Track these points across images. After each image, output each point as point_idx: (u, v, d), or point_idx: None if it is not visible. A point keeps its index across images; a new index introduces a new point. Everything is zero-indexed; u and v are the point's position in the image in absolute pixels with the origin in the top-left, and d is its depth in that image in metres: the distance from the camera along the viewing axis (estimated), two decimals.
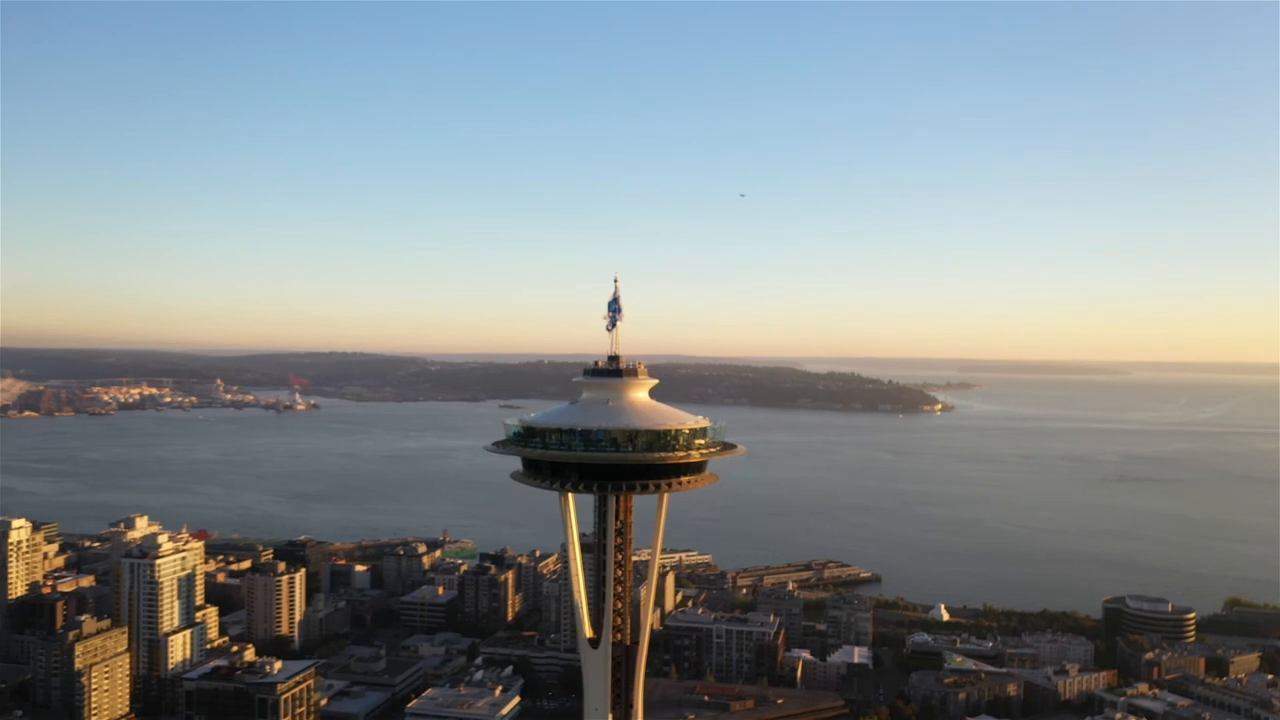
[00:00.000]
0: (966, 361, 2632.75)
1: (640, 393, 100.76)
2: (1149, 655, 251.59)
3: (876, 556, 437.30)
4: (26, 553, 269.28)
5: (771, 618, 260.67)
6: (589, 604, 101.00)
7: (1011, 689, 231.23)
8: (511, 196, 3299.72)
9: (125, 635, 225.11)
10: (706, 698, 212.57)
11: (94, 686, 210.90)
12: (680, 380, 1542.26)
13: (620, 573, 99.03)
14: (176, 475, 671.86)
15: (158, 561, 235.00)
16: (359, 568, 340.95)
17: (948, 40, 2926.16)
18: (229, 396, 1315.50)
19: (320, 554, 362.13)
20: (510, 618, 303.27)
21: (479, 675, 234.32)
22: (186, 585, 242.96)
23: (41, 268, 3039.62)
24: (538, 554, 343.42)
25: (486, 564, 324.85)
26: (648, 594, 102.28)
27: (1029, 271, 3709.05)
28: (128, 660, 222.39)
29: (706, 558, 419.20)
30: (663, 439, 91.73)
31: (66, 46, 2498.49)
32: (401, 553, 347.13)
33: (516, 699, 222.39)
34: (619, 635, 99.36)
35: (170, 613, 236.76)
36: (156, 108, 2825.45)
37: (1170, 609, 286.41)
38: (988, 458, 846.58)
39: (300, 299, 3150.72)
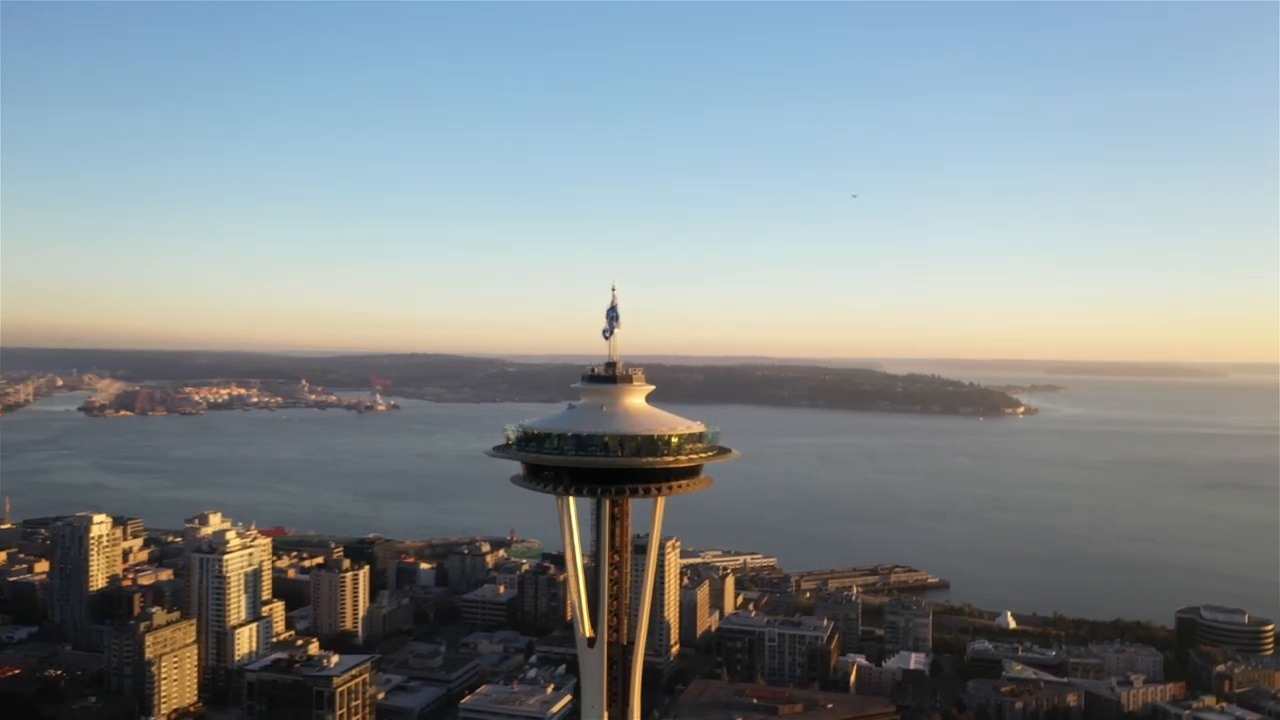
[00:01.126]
0: (1054, 363, 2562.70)
1: (636, 398, 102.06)
2: (1220, 668, 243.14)
3: (946, 562, 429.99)
4: (107, 547, 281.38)
5: (825, 622, 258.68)
6: (586, 606, 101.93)
7: (1072, 699, 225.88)
8: (592, 198, 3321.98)
9: (194, 627, 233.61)
10: (755, 700, 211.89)
11: (163, 675, 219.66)
12: (755, 382, 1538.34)
13: (617, 574, 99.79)
14: (260, 473, 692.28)
15: (225, 557, 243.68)
16: (424, 566, 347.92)
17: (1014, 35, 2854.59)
18: (313, 397, 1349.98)
19: (389, 551, 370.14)
20: (569, 617, 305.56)
21: (532, 673, 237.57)
22: (253, 580, 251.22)
23: (140, 274, 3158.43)
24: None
25: (546, 564, 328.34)
26: (645, 596, 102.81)
27: (1122, 270, 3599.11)
28: (196, 651, 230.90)
29: (771, 561, 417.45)
30: (652, 444, 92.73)
31: (140, 42, 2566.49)
32: (466, 551, 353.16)
33: (568, 698, 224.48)
34: (615, 635, 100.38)
35: (237, 606, 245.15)
36: (240, 108, 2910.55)
37: (1247, 620, 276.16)
38: (1070, 462, 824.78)
39: (383, 301, 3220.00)
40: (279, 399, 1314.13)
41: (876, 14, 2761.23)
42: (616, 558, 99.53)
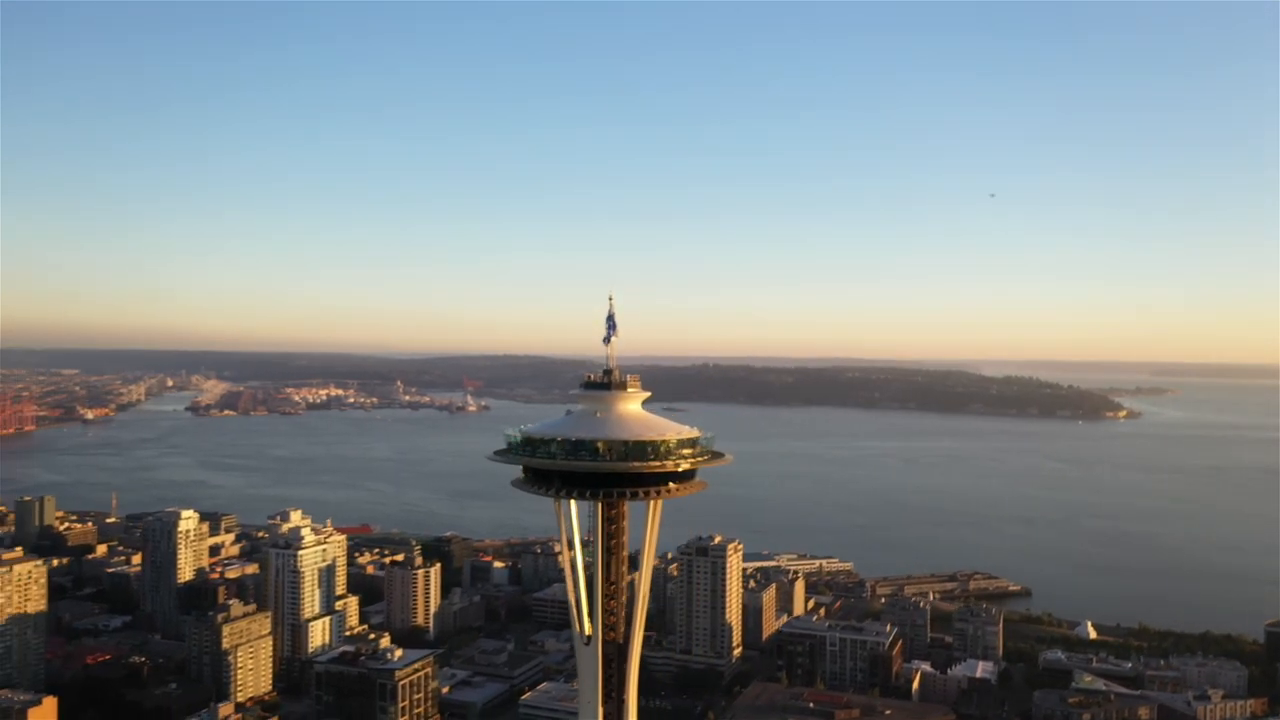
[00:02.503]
0: (1161, 365, 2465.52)
1: (631, 405, 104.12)
2: None
3: (1031, 570, 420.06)
4: (194, 541, 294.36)
5: (888, 627, 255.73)
6: (578, 603, 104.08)
7: (1144, 712, 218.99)
8: (676, 199, 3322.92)
9: (269, 619, 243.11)
10: (812, 705, 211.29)
11: (239, 665, 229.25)
12: (844, 385, 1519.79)
13: (613, 574, 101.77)
14: (352, 472, 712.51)
15: (300, 552, 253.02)
16: (498, 564, 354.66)
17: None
18: (407, 398, 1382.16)
19: (465, 550, 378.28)
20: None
21: None
22: (327, 575, 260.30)
23: (247, 278, 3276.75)
24: (669, 556, 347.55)
25: None
26: (640, 596, 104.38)
27: (1237, 268, 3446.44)
28: (270, 642, 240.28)
29: (847, 565, 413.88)
30: (641, 449, 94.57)
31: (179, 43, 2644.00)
32: (539, 551, 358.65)
33: None
34: (612, 634, 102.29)
35: (311, 600, 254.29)
36: (322, 109, 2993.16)
37: None
38: (1170, 468, 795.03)
39: (477, 303, 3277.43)
40: (374, 400, 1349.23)
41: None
42: (613, 558, 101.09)
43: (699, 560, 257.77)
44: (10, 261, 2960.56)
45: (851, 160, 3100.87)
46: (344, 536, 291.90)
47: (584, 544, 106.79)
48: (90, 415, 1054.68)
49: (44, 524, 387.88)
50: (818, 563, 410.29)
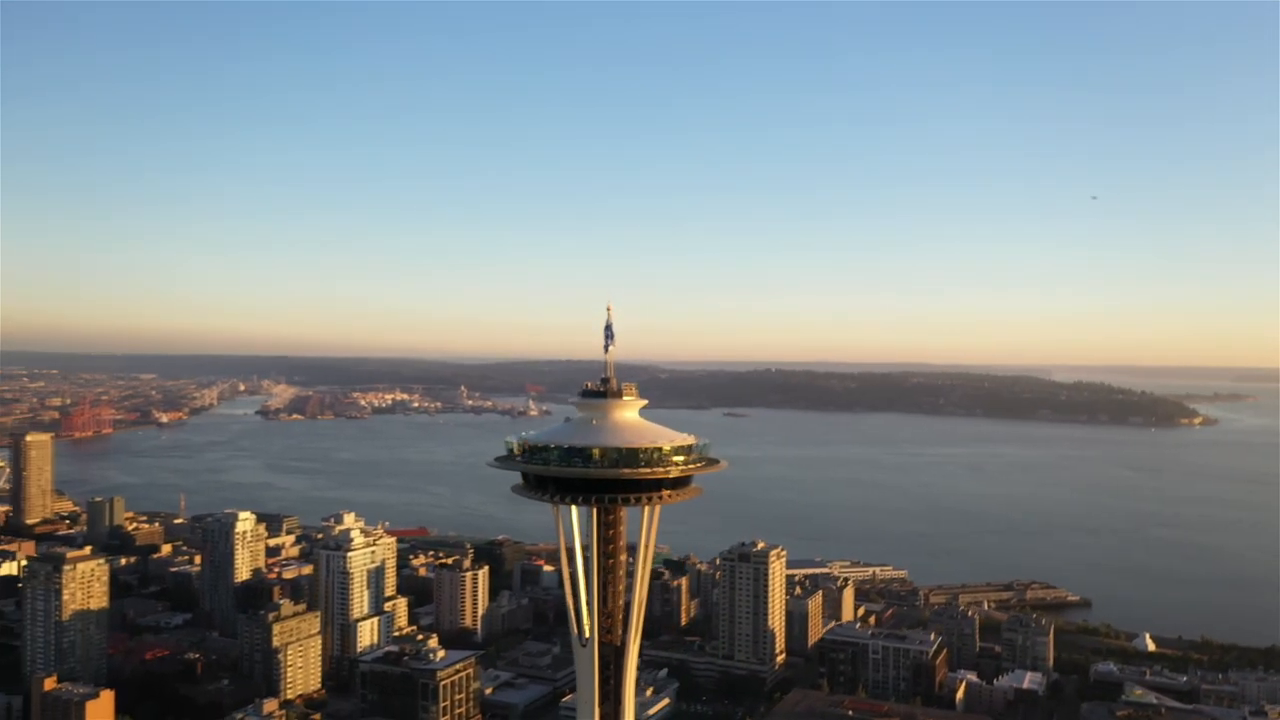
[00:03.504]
0: (1242, 370, 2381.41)
1: (628, 412, 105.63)
2: None
3: (1092, 580, 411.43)
4: (250, 542, 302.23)
5: (932, 636, 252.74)
6: (576, 607, 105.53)
7: None
8: (750, 202, 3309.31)
9: (318, 619, 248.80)
10: (850, 713, 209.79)
11: (289, 663, 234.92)
12: (909, 390, 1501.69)
13: (610, 578, 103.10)
14: (414, 475, 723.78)
15: (349, 554, 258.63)
16: (547, 567, 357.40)
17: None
18: (470, 402, 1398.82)
19: (517, 553, 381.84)
20: (684, 622, 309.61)
21: None
22: (376, 576, 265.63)
23: (321, 284, 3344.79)
24: (718, 561, 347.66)
25: (662, 569, 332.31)
26: (637, 600, 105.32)
27: None
28: (320, 641, 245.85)
29: (901, 573, 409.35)
30: (633, 456, 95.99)
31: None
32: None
33: (666, 700, 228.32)
34: (609, 636, 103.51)
35: (360, 600, 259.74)
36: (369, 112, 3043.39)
37: None
38: (1246, 477, 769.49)
39: (542, 307, 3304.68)
40: (439, 404, 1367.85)
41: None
42: (612, 562, 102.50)
43: (741, 566, 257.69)
44: (91, 269, 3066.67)
45: (916, 166, 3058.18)
46: (393, 539, 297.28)
47: (584, 549, 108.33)
48: (164, 419, 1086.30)
49: (113, 524, 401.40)
50: (871, 570, 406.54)
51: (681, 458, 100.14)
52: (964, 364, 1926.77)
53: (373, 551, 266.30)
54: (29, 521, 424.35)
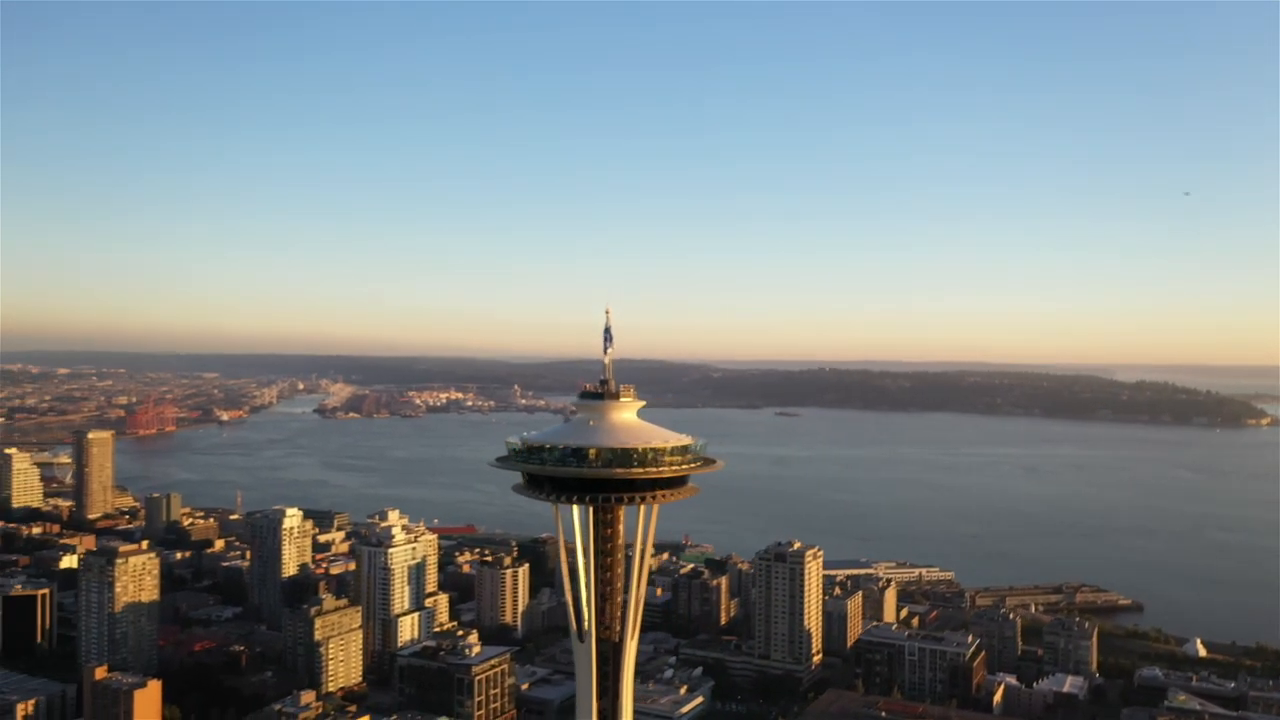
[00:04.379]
0: None
1: (625, 413, 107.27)
2: None
3: (1146, 583, 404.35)
4: (298, 538, 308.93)
5: (970, 638, 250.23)
6: (576, 603, 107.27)
7: None
8: (807, 202, 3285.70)
9: (359, 613, 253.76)
10: (884, 714, 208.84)
11: (330, 656, 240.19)
12: (965, 390, 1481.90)
13: (608, 575, 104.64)
14: (464, 473, 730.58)
15: (390, 550, 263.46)
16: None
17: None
18: (523, 401, 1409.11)
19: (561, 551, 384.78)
20: (724, 622, 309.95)
21: (669, 673, 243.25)
22: (416, 572, 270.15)
23: (379, 283, 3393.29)
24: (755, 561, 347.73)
25: (702, 569, 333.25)
26: (634, 597, 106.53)
27: None
28: (361, 636, 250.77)
29: (948, 575, 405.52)
30: (626, 456, 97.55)
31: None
32: (629, 554, 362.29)
33: (699, 699, 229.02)
34: (607, 632, 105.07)
35: (401, 596, 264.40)
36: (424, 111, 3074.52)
37: None
38: None
39: (597, 307, 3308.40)
40: (492, 403, 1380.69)
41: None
42: (609, 560, 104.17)
43: (777, 566, 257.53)
44: (157, 271, 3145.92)
45: (974, 165, 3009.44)
46: (435, 536, 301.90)
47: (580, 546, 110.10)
48: (225, 417, 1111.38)
49: (170, 519, 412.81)
50: (917, 571, 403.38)
51: (677, 458, 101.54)
52: (1022, 363, 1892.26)
53: (413, 548, 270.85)
54: (91, 516, 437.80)
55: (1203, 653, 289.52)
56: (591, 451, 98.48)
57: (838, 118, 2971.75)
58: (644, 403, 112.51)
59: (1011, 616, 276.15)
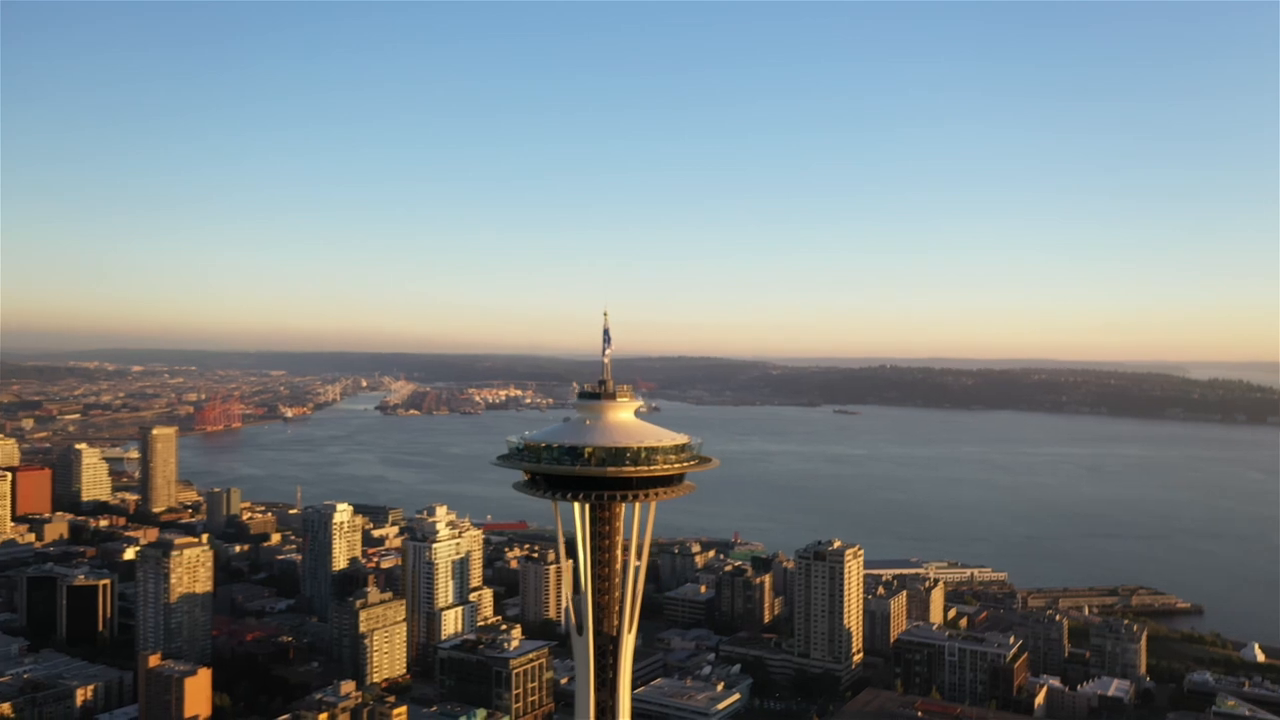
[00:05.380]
0: None
1: (623, 413, 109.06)
2: None
3: (1208, 587, 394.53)
4: (348, 532, 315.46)
5: (1011, 639, 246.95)
6: (576, 598, 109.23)
7: None
8: (871, 199, 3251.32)
9: (403, 606, 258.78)
10: (920, 714, 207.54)
11: (375, 648, 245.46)
12: (1030, 387, 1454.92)
13: (606, 570, 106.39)
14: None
15: (434, 545, 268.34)
16: (635, 562, 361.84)
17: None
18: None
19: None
20: (767, 620, 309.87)
21: (707, 670, 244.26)
22: (460, 567, 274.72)
23: (443, 282, 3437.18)
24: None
25: (744, 566, 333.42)
26: (629, 591, 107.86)
27: None
28: (405, 628, 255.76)
29: (1001, 575, 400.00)
30: (619, 455, 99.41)
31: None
32: (676, 551, 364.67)
33: (736, 696, 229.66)
34: (605, 626, 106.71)
35: (445, 590, 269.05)
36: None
37: None
38: None
39: (656, 304, 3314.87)
40: (550, 400, 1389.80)
41: None
42: (607, 556, 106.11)
43: (817, 565, 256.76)
44: (228, 271, 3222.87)
45: (1041, 161, 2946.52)
46: (480, 531, 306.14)
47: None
48: (290, 414, 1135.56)
49: (230, 513, 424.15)
50: (969, 572, 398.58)
51: (671, 456, 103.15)
52: (1090, 360, 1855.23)
53: (457, 543, 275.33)
54: (156, 510, 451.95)
55: (1261, 658, 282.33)
56: (587, 450, 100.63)
57: (899, 118, 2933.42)
58: (640, 403, 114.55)
59: (1058, 618, 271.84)
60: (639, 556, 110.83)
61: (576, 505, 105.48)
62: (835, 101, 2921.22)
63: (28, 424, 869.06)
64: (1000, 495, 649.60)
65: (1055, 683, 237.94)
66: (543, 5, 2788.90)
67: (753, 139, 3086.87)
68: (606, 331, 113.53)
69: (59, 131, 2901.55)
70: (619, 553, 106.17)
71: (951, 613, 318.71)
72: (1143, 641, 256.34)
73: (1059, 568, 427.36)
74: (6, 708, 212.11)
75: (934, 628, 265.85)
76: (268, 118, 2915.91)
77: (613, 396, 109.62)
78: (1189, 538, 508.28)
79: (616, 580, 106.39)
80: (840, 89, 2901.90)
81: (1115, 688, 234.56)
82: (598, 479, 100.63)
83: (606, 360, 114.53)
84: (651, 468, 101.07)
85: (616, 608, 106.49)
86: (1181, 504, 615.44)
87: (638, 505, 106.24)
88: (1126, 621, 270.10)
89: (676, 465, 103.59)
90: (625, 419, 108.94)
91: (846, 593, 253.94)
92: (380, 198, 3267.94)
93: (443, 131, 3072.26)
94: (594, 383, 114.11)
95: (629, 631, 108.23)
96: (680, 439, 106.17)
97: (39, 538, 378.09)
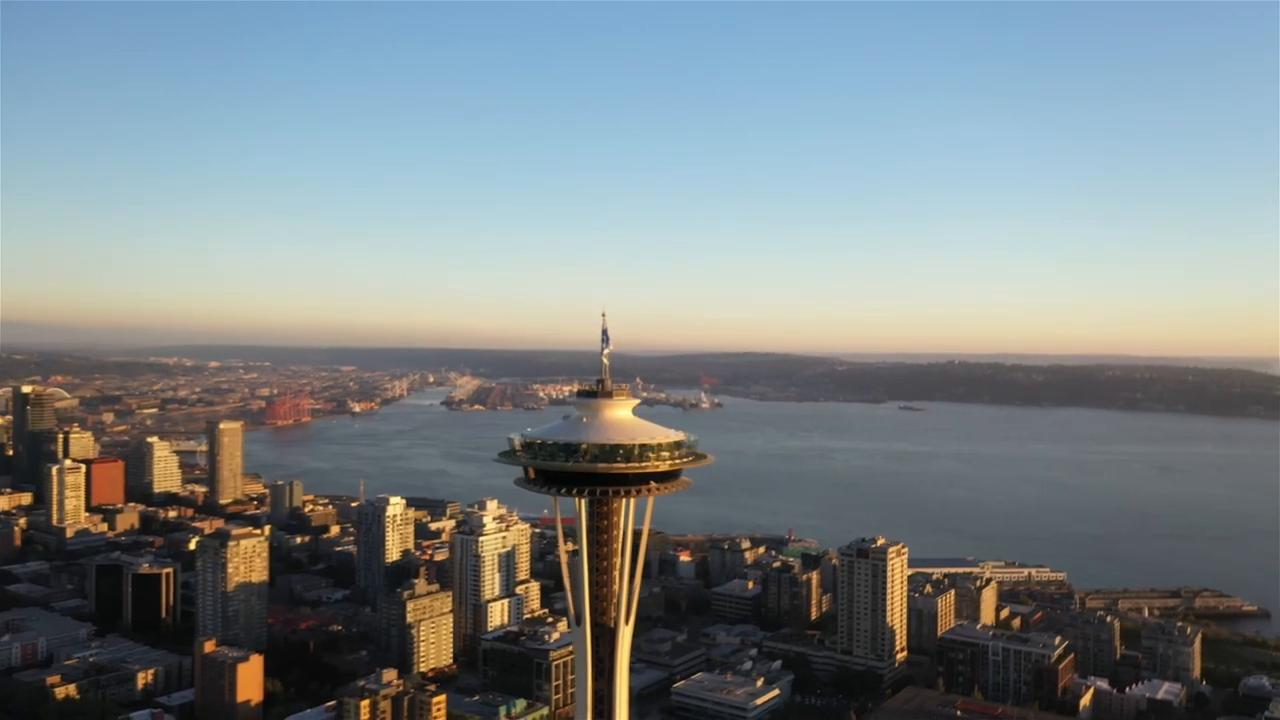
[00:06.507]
0: None
1: (620, 411, 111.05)
2: None
3: (1278, 590, 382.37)
4: (401, 525, 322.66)
5: (1057, 639, 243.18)
6: (575, 589, 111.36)
7: None
8: (933, 195, 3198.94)
9: (450, 598, 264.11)
10: (960, 713, 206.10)
11: (421, 638, 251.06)
12: (1103, 384, 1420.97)
13: (604, 564, 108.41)
14: None
15: (480, 538, 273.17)
16: (683, 558, 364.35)
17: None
18: (644, 394, 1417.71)
19: (658, 542, 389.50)
20: (814, 616, 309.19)
21: (748, 665, 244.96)
22: (507, 560, 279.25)
23: (510, 278, 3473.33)
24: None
25: (792, 562, 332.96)
26: (623, 584, 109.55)
27: None
28: (451, 619, 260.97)
29: (1060, 575, 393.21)
30: (612, 451, 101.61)
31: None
32: (726, 547, 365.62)
33: (775, 691, 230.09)
34: (603, 618, 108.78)
35: (491, 582, 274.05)
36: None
37: None
38: None
39: (722, 301, 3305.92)
40: None
41: None
42: (605, 550, 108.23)
43: (859, 562, 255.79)
44: (303, 267, 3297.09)
45: (1119, 154, 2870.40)
46: (527, 525, 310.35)
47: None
48: (358, 408, 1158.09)
49: (292, 505, 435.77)
50: (1026, 571, 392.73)
51: (665, 453, 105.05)
52: (1168, 356, 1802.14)
53: (503, 537, 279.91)
54: (222, 501, 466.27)
55: None
56: (583, 447, 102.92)
57: (940, 117, 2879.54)
58: (637, 401, 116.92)
59: (1109, 619, 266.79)
60: (635, 550, 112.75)
61: (580, 501, 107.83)
62: (896, 99, 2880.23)
63: (108, 418, 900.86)
64: (1065, 494, 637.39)
65: (1103, 684, 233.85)
66: (542, 5, 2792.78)
67: (814, 137, 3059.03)
68: (605, 332, 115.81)
69: (118, 131, 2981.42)
70: (616, 546, 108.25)
71: (1004, 612, 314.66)
72: (1196, 644, 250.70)
73: (1121, 569, 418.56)
74: (72, 689, 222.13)
75: (978, 627, 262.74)
76: (297, 114, 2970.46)
77: (610, 395, 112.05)
78: (1262, 539, 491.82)
79: (614, 574, 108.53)
80: (902, 86, 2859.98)
81: (1165, 691, 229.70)
82: (592, 475, 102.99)
83: (605, 360, 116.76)
84: (643, 464, 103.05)
85: (614, 600, 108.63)
86: (1255, 505, 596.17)
87: (633, 499, 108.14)
88: (1180, 624, 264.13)
89: (670, 462, 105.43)
90: (622, 417, 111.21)
91: (890, 590, 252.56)
92: (444, 197, 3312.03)
93: (485, 128, 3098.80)
94: (593, 381, 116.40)
95: (626, 623, 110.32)
96: (675, 436, 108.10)
97: (111, 527, 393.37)
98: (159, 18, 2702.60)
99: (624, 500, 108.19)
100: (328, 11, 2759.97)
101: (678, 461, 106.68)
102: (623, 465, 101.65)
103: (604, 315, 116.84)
